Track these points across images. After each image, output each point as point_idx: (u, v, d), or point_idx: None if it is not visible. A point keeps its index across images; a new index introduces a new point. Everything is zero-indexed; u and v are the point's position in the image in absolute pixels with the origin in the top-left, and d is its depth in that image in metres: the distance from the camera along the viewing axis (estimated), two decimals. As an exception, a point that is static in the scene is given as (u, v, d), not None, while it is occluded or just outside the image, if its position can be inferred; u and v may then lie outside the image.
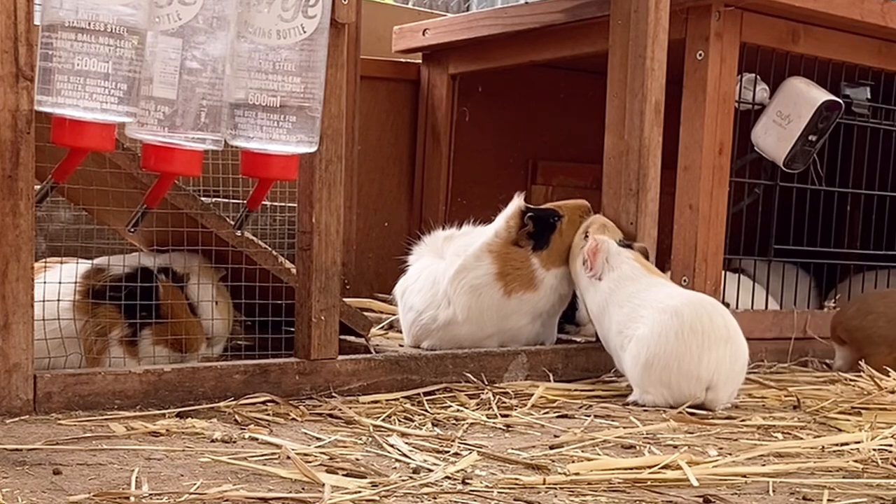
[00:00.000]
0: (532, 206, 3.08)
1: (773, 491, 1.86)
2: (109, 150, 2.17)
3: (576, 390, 2.77)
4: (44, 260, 2.77)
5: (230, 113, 2.26)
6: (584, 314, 3.34)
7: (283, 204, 3.61)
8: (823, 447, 2.21)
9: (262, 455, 1.95)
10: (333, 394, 2.55)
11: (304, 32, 2.27)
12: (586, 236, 2.91)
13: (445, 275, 3.03)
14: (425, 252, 3.23)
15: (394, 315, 3.39)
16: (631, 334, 2.65)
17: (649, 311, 2.63)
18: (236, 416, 2.28)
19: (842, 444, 2.24)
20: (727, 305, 3.26)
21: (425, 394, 2.61)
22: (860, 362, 3.17)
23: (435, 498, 1.72)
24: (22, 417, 2.16)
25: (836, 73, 3.58)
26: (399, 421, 2.34)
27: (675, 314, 2.58)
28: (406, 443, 2.10)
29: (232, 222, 2.59)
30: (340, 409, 2.38)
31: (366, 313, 3.09)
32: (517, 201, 3.08)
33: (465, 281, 2.99)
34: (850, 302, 3.62)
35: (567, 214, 3.05)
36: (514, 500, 1.74)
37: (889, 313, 3.25)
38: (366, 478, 1.81)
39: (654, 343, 2.58)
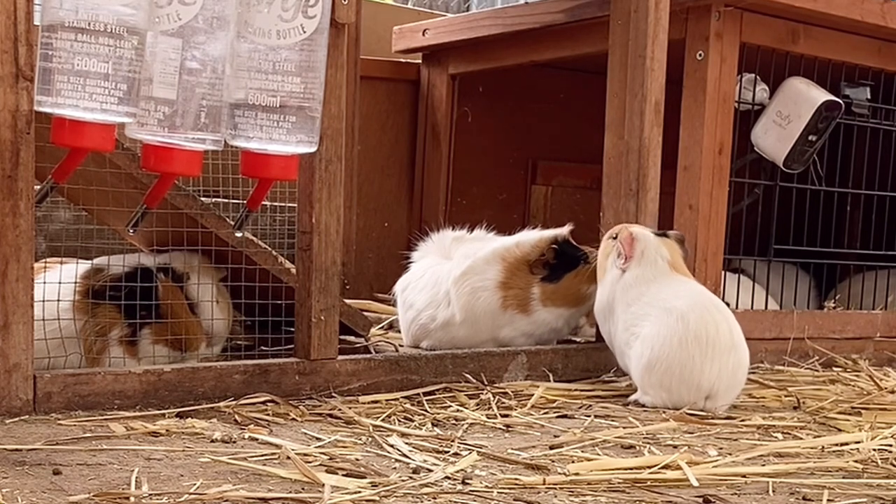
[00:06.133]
0: (569, 240, 3.02)
1: (773, 491, 1.86)
2: (109, 150, 2.17)
3: (576, 390, 2.77)
4: (44, 260, 2.77)
5: (230, 113, 2.26)
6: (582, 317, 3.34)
7: (283, 204, 3.61)
8: (823, 447, 2.21)
9: (262, 455, 1.95)
10: (333, 394, 2.55)
11: (304, 32, 2.27)
12: (614, 237, 2.81)
13: (451, 274, 3.02)
14: (431, 250, 3.22)
15: (393, 315, 3.39)
16: (638, 332, 2.64)
17: (656, 311, 2.62)
18: (236, 416, 2.28)
19: (842, 444, 2.24)
20: (727, 305, 3.26)
21: (425, 394, 2.61)
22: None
23: (435, 498, 1.72)
24: (22, 417, 2.16)
25: (836, 73, 3.58)
26: (399, 421, 2.34)
27: (680, 318, 2.56)
28: (406, 443, 2.10)
29: (232, 222, 2.59)
30: (340, 409, 2.38)
31: (366, 313, 3.09)
32: (560, 230, 3.04)
33: (469, 282, 2.98)
34: None
35: (593, 263, 2.97)
36: (514, 500, 1.74)
37: None
38: (366, 478, 1.81)
39: (657, 345, 2.57)
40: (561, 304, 3.01)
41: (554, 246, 3.01)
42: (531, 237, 3.06)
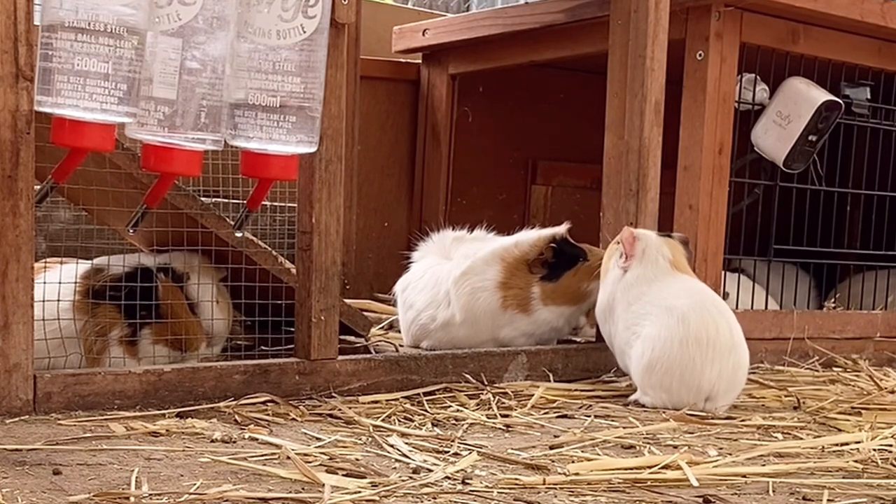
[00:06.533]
0: (566, 239, 3.03)
1: (773, 491, 1.86)
2: (109, 150, 2.17)
3: (576, 390, 2.77)
4: (44, 260, 2.77)
5: (230, 113, 2.26)
6: (581, 317, 3.34)
7: (283, 204, 3.61)
8: (823, 447, 2.21)
9: (262, 455, 1.95)
10: (333, 394, 2.55)
11: (304, 32, 2.27)
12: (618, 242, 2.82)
13: (451, 275, 3.03)
14: (431, 250, 3.22)
15: (393, 315, 3.39)
16: (639, 331, 2.64)
17: (657, 310, 2.61)
18: (236, 416, 2.28)
19: (842, 444, 2.24)
20: (726, 296, 3.26)
21: (425, 394, 2.61)
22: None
23: (435, 498, 1.72)
24: (22, 417, 2.16)
25: (836, 73, 3.58)
26: (399, 421, 2.34)
27: (681, 320, 2.55)
28: (406, 443, 2.10)
29: (232, 222, 2.59)
30: (340, 409, 2.38)
31: (366, 313, 3.09)
32: (558, 228, 3.05)
33: (468, 283, 2.99)
34: None
35: (592, 260, 3.01)
36: (514, 500, 1.74)
37: None
38: (366, 478, 1.81)
39: (658, 346, 2.57)
40: (561, 303, 3.01)
41: (552, 245, 3.01)
42: (529, 237, 3.06)
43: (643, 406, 2.61)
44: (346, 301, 2.90)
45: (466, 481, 1.82)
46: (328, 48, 2.35)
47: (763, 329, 3.39)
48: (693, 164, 3.30)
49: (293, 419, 2.30)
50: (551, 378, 2.88)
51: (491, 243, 3.09)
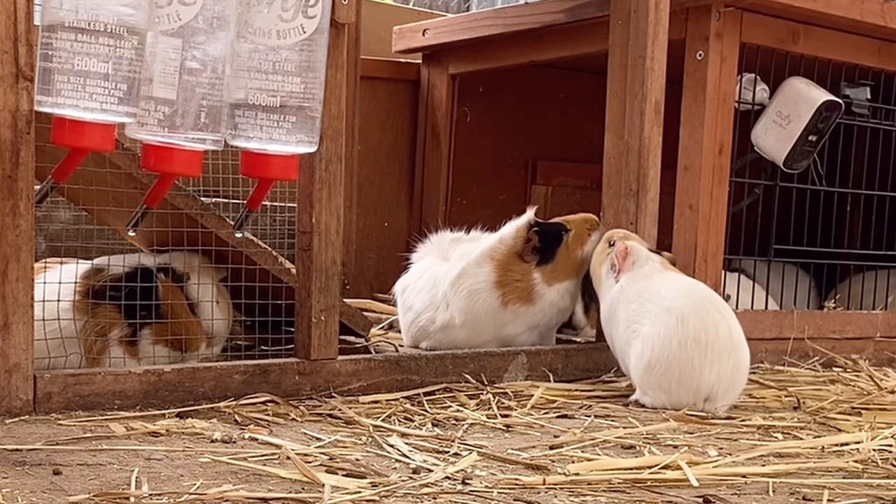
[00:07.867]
0: (540, 221, 3.05)
1: (773, 491, 1.86)
2: (109, 150, 2.17)
3: (576, 390, 2.77)
4: (44, 260, 2.77)
5: (230, 113, 2.26)
6: (581, 317, 3.35)
7: (283, 204, 3.61)
8: (823, 447, 2.21)
9: (262, 455, 1.95)
10: (333, 394, 2.55)
11: (304, 33, 2.27)
12: (611, 245, 2.85)
13: (447, 277, 3.03)
14: (430, 251, 3.23)
15: (393, 315, 3.39)
16: (638, 329, 2.64)
17: (656, 308, 2.61)
18: (236, 417, 2.28)
19: (842, 444, 2.24)
20: (727, 299, 3.26)
21: (425, 394, 2.61)
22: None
23: (435, 498, 1.72)
24: (22, 417, 2.16)
25: (836, 73, 3.58)
26: (399, 421, 2.34)
27: (680, 320, 2.55)
28: (406, 443, 2.10)
29: (232, 222, 2.59)
30: (340, 410, 2.38)
31: (366, 313, 3.09)
32: (528, 214, 3.06)
33: (464, 285, 2.99)
34: None
35: (574, 228, 3.04)
36: (514, 500, 1.74)
37: None
38: (366, 478, 1.81)
39: (657, 346, 2.56)
40: (564, 278, 3.02)
41: (535, 229, 3.02)
42: (509, 231, 3.06)
43: (643, 406, 2.61)
44: (346, 301, 2.90)
45: (466, 481, 1.82)
46: (328, 48, 2.35)
47: (763, 329, 3.39)
48: (693, 164, 3.30)
49: (293, 419, 2.30)
50: (551, 378, 2.88)
51: (482, 243, 3.10)
